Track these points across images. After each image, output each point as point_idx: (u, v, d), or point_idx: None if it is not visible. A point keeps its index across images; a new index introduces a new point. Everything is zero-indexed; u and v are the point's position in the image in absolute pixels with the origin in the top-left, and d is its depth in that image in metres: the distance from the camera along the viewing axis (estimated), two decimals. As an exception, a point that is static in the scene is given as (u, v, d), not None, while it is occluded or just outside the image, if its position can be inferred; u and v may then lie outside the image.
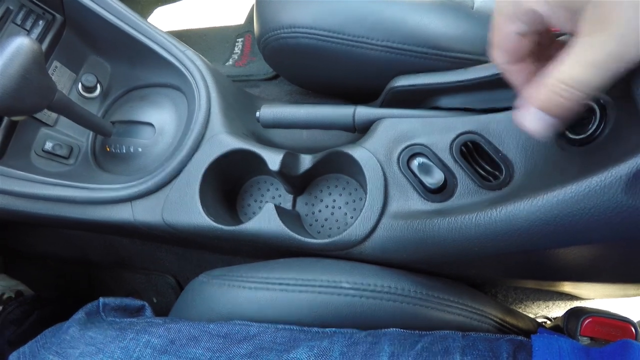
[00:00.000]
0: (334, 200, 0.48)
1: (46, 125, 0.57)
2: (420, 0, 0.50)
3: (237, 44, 0.87)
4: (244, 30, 0.90)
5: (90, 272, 0.85)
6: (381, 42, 0.47)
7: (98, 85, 0.60)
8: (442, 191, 0.38)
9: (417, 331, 0.35)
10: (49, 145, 0.56)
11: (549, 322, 0.63)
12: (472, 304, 0.40)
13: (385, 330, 0.35)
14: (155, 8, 1.13)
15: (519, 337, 0.37)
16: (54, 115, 0.57)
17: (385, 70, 0.47)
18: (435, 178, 0.38)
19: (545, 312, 0.67)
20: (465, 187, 0.38)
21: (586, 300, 0.67)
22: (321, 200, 0.48)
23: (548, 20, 0.26)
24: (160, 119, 0.54)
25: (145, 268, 0.77)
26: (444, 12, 0.49)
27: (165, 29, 0.92)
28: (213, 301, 0.40)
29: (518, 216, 0.31)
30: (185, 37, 0.96)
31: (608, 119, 0.30)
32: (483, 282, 0.62)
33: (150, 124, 0.55)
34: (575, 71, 0.24)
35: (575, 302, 0.67)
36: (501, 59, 0.29)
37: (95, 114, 0.59)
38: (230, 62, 0.83)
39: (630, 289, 0.51)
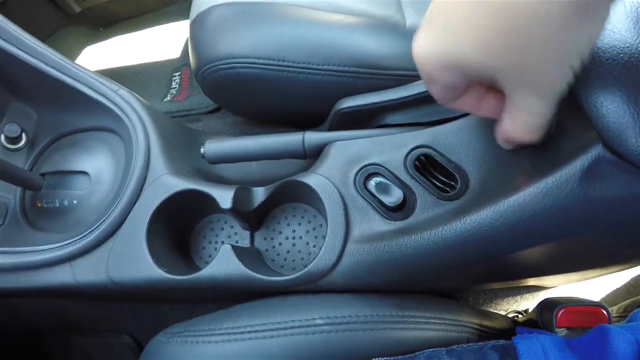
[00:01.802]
0: (294, 231, 0.46)
1: (-35, 185, 0.51)
2: (356, 23, 0.51)
3: (174, 78, 0.84)
4: (180, 64, 0.87)
5: (35, 342, 0.76)
6: (322, 66, 0.46)
7: (23, 135, 0.55)
8: (402, 208, 0.37)
9: (401, 356, 0.34)
10: (-31, 208, 0.50)
11: (520, 316, 0.64)
12: (448, 316, 0.39)
13: None
14: (84, 47, 1.08)
15: (501, 342, 0.37)
16: (-27, 173, 0.51)
17: (329, 93, 0.47)
18: (394, 196, 0.37)
19: (515, 307, 0.69)
20: (425, 201, 0.37)
21: (550, 289, 0.69)
22: (280, 233, 0.46)
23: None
24: (95, 166, 0.50)
25: (97, 330, 0.70)
26: (381, 33, 0.50)
27: (96, 68, 0.87)
28: (176, 362, 0.36)
29: (482, 224, 0.31)
30: (118, 75, 0.92)
31: (556, 124, 0.31)
32: (453, 291, 0.62)
33: (85, 173, 0.50)
34: (517, 133, 0.27)
35: (541, 292, 0.69)
36: (442, 101, 0.29)
37: (22, 167, 0.54)
38: (169, 97, 0.79)
39: (589, 273, 0.54)
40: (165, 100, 0.79)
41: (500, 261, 0.35)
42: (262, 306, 0.38)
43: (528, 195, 0.28)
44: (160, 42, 1.03)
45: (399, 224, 0.37)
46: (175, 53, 0.92)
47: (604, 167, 0.26)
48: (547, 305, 0.45)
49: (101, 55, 1.04)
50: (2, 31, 0.50)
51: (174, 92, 0.80)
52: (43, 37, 1.03)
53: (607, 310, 0.43)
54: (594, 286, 0.81)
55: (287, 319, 0.35)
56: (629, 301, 0.66)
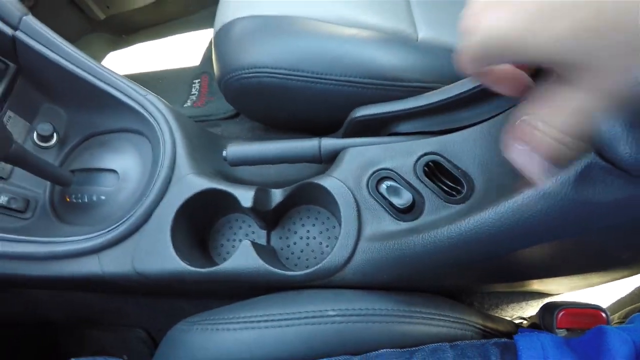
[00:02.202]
0: (308, 231, 0.49)
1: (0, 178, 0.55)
2: (370, 37, 0.55)
3: (194, 85, 0.88)
4: (199, 71, 0.91)
5: (50, 335, 0.80)
6: (340, 77, 0.50)
7: (54, 134, 0.59)
8: (411, 210, 0.40)
9: (408, 349, 0.36)
10: (3, 200, 0.53)
11: (525, 322, 0.67)
12: (453, 314, 0.42)
13: (377, 352, 0.36)
14: (108, 53, 1.13)
15: (503, 340, 0.39)
16: (8, 166, 0.55)
17: (345, 102, 0.50)
18: (403, 198, 0.40)
19: (520, 313, 0.71)
20: (433, 204, 0.40)
21: (555, 296, 0.71)
22: (295, 233, 0.49)
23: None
24: (123, 165, 0.54)
25: (113, 323, 0.73)
26: (394, 47, 0.53)
27: (120, 73, 0.92)
28: (197, 349, 0.39)
29: (485, 224, 0.34)
30: (140, 80, 0.95)
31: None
32: (459, 292, 0.64)
33: (113, 171, 0.54)
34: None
35: (545, 299, 0.71)
36: (470, 69, 0.26)
37: (53, 163, 0.57)
38: (189, 103, 0.84)
39: (593, 278, 0.55)
40: (185, 105, 0.83)
41: (503, 260, 0.38)
42: (278, 298, 0.41)
43: (527, 197, 0.31)
44: (181, 50, 1.08)
45: (408, 224, 0.40)
46: (195, 61, 0.96)
47: (597, 173, 0.28)
48: (548, 308, 0.48)
49: (124, 61, 1.09)
50: (37, 35, 0.54)
51: (194, 98, 0.84)
52: (69, 41, 1.08)
53: (605, 313, 0.45)
54: (599, 295, 0.83)
55: (302, 310, 0.38)
56: (629, 308, 0.68)
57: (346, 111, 0.50)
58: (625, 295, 0.77)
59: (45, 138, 0.58)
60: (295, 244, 0.49)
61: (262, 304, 0.40)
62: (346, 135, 0.51)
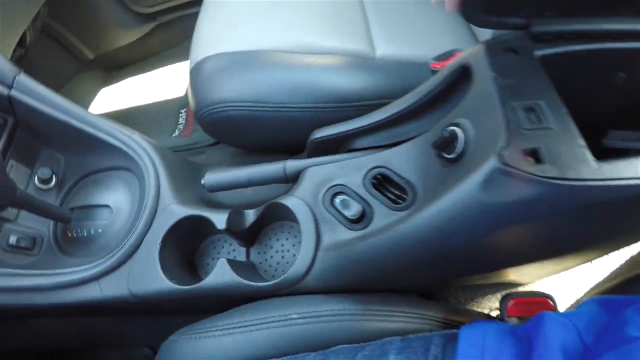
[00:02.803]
0: (282, 245, 0.55)
1: (8, 220, 0.62)
2: (327, 63, 0.61)
3: (180, 114, 0.96)
4: (185, 101, 0.99)
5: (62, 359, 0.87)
6: (298, 104, 0.57)
7: (53, 176, 0.67)
8: (362, 220, 0.47)
9: (362, 344, 0.42)
10: (13, 240, 0.61)
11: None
12: (411, 310, 0.48)
13: (333, 348, 0.42)
14: (100, 90, 1.22)
15: (453, 331, 0.43)
16: (15, 209, 0.62)
17: (306, 126, 0.57)
18: (353, 210, 0.46)
19: (496, 305, 0.76)
20: (381, 213, 0.46)
21: (528, 285, 0.76)
22: (271, 247, 0.56)
23: None
24: (115, 200, 0.61)
25: (119, 344, 0.80)
26: (350, 70, 0.60)
27: (112, 109, 1.00)
28: (184, 356, 0.46)
29: (421, 225, 0.40)
30: (131, 115, 1.04)
31: (468, 142, 0.40)
32: (433, 289, 0.70)
33: (107, 206, 0.61)
34: None
35: (519, 288, 0.75)
36: None
37: (54, 204, 0.65)
38: (177, 133, 0.91)
39: (566, 262, 0.60)
40: (173, 135, 0.91)
41: (451, 257, 0.43)
42: (251, 307, 0.47)
43: (447, 201, 0.37)
44: (167, 82, 1.16)
45: (360, 233, 0.46)
46: (180, 91, 1.04)
47: (498, 177, 0.34)
48: (504, 298, 0.53)
49: (116, 96, 1.17)
50: (32, 92, 0.62)
51: (181, 127, 0.92)
52: (62, 83, 1.16)
53: (553, 301, 0.50)
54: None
55: (269, 315, 0.44)
56: (603, 288, 0.72)
57: (309, 133, 0.57)
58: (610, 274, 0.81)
59: (46, 181, 0.66)
60: (272, 257, 0.55)
61: (238, 313, 0.46)
62: (310, 155, 0.58)
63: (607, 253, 0.63)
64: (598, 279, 0.80)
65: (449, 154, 0.41)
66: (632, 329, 0.33)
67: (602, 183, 0.33)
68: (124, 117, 1.02)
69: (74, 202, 0.64)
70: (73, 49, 1.13)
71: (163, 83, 1.15)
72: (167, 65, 1.18)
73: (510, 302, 0.49)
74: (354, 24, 0.72)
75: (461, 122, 0.40)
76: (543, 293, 0.52)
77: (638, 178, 0.33)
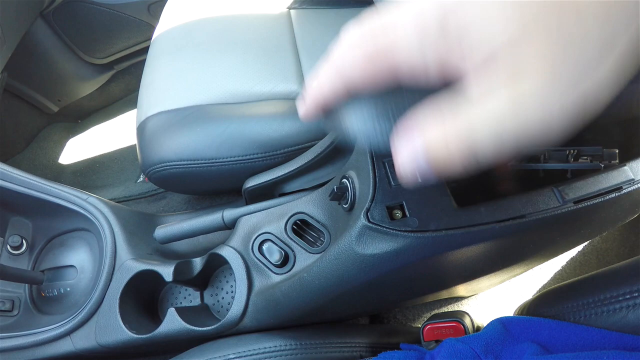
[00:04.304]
0: (231, 286, 0.63)
1: (-14, 288, 0.70)
2: (255, 112, 0.69)
3: (143, 159, 1.04)
4: (147, 145, 1.07)
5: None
6: (229, 157, 0.64)
7: (24, 242, 0.74)
8: (286, 264, 0.54)
9: None
10: (-7, 305, 0.69)
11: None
12: (339, 340, 0.55)
13: None
14: (68, 139, 1.30)
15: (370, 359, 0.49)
16: (-9, 280, 0.70)
17: (239, 175, 0.65)
18: (276, 256, 0.54)
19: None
20: (302, 255, 0.54)
21: (472, 296, 0.82)
22: (222, 289, 0.63)
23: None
24: (79, 260, 0.69)
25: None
26: (275, 118, 0.68)
27: (80, 158, 1.07)
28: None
29: (323, 268, 0.45)
30: (99, 163, 1.12)
31: (356, 194, 0.47)
32: (377, 313, 0.77)
33: (73, 266, 0.69)
34: (481, 136, 0.19)
35: (463, 301, 0.82)
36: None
37: (27, 268, 0.73)
38: (141, 178, 0.99)
39: (513, 270, 0.65)
40: (138, 181, 0.99)
41: (359, 292, 0.49)
42: (197, 350, 0.55)
43: (335, 250, 0.44)
44: (131, 126, 1.24)
45: (285, 275, 0.53)
46: (142, 135, 1.12)
47: (367, 232, 0.40)
48: (424, 324, 0.59)
49: (83, 145, 1.25)
50: None
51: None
52: (31, 137, 1.24)
53: (464, 325, 0.57)
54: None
55: (211, 356, 0.51)
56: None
57: (242, 181, 0.65)
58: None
59: (17, 247, 0.74)
60: (223, 298, 0.63)
61: (186, 356, 0.54)
62: (246, 200, 0.65)
63: (543, 262, 0.69)
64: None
65: (345, 204, 0.48)
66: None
67: (462, 231, 0.38)
68: (93, 165, 1.10)
69: (44, 264, 0.72)
70: (37, 105, 1.21)
71: (126, 128, 1.23)
72: (129, 110, 1.25)
73: (427, 328, 0.56)
74: (286, 65, 0.79)
75: (351, 174, 0.47)
76: (456, 318, 0.57)
77: (497, 222, 0.37)
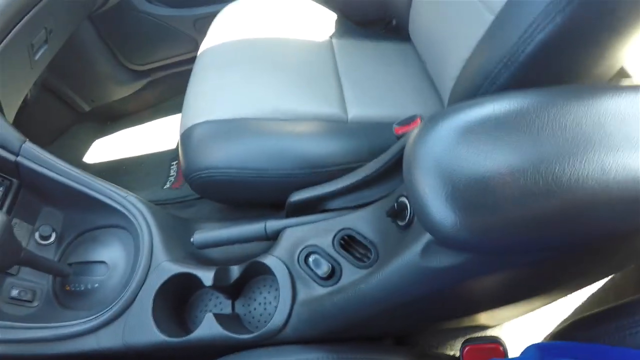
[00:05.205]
0: (265, 298, 0.63)
1: (10, 274, 0.68)
2: (305, 130, 0.70)
3: (172, 167, 1.04)
4: (176, 153, 1.07)
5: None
6: (276, 170, 0.65)
7: (53, 233, 0.74)
8: (332, 277, 0.54)
9: None
10: (14, 293, 0.67)
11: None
12: (377, 356, 0.54)
13: None
14: (95, 140, 1.30)
15: None
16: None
17: (285, 188, 0.66)
18: (324, 269, 0.54)
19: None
20: (348, 270, 0.54)
21: (499, 327, 0.82)
22: (255, 300, 0.63)
23: None
24: (111, 256, 0.68)
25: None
26: (321, 137, 0.69)
27: (106, 159, 1.07)
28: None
29: (377, 284, 0.47)
30: (125, 166, 1.12)
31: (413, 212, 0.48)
32: (407, 334, 0.76)
33: (104, 262, 0.68)
34: None
35: (488, 330, 0.82)
36: None
37: (53, 259, 0.72)
38: (168, 184, 0.99)
39: (533, 303, 0.66)
40: (165, 187, 0.99)
41: (407, 309, 0.50)
42: (235, 358, 0.54)
43: (396, 264, 0.45)
44: (159, 134, 1.25)
45: (330, 289, 0.54)
46: (171, 144, 1.13)
47: (434, 247, 0.42)
48: (462, 345, 0.60)
49: (109, 147, 1.26)
50: (35, 158, 0.69)
51: (172, 179, 1.00)
52: (59, 133, 1.25)
53: (503, 346, 0.57)
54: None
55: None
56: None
57: (287, 195, 0.65)
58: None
59: (46, 237, 0.73)
60: (255, 309, 0.62)
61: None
62: (288, 214, 0.66)
63: (569, 293, 0.70)
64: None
65: (400, 222, 0.49)
66: None
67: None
68: (118, 167, 1.10)
69: (72, 258, 0.71)
70: (70, 102, 1.22)
71: (155, 135, 1.24)
72: (159, 118, 1.27)
73: (466, 349, 0.56)
74: (329, 89, 0.82)
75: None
76: (496, 339, 0.58)
77: None
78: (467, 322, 0.81)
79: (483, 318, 0.80)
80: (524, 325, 0.89)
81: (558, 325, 0.88)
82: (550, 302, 0.79)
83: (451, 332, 0.82)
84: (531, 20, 0.52)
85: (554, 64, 0.57)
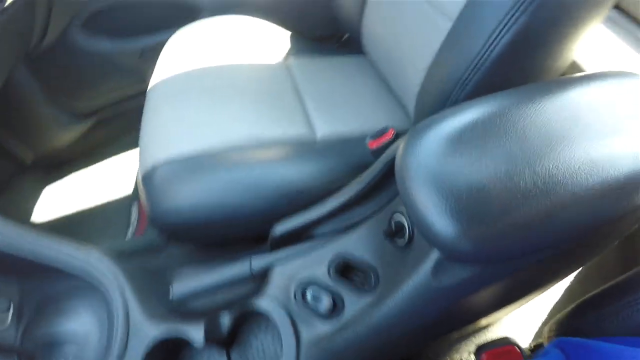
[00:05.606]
0: (262, 343, 0.58)
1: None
2: (274, 155, 0.66)
3: (132, 211, 0.96)
4: (134, 194, 1.00)
5: None
6: (253, 202, 0.63)
7: (11, 305, 0.64)
8: (335, 310, 0.50)
9: None
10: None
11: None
12: None
13: None
14: (42, 191, 1.18)
15: None
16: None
17: (264, 221, 0.62)
18: (325, 304, 0.50)
19: (471, 349, 0.81)
20: (351, 299, 0.51)
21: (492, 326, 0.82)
22: (251, 346, 0.58)
23: None
24: (83, 326, 0.61)
25: None
26: (291, 160, 0.66)
27: (59, 215, 0.97)
28: None
29: (388, 312, 0.45)
30: (81, 218, 1.03)
31: (413, 229, 0.45)
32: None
33: (74, 334, 0.60)
34: None
35: (490, 330, 0.81)
36: None
37: (15, 338, 0.62)
38: (129, 235, 0.91)
39: (530, 297, 0.66)
40: (127, 239, 0.91)
41: (420, 331, 0.48)
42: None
43: (406, 289, 0.43)
44: (113, 176, 1.16)
45: (336, 324, 0.50)
46: (128, 184, 1.05)
47: (444, 264, 0.40)
48: (477, 351, 0.58)
49: (60, 197, 1.14)
50: None
51: (134, 226, 0.92)
52: (1, 187, 1.12)
53: (519, 347, 0.56)
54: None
55: None
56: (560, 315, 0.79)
57: (268, 225, 0.61)
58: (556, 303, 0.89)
59: (3, 311, 0.64)
60: (253, 357, 0.57)
61: None
62: (272, 246, 0.61)
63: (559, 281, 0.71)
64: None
65: (399, 241, 0.46)
66: None
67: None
68: (72, 220, 1.01)
69: (36, 333, 0.63)
70: (12, 152, 1.11)
71: (109, 178, 1.15)
72: (110, 158, 1.18)
73: (484, 356, 0.54)
74: (292, 110, 0.78)
75: (403, 210, 0.46)
76: (509, 340, 0.57)
77: None
78: (470, 328, 0.80)
79: (484, 319, 0.79)
80: (519, 315, 0.89)
81: (556, 307, 0.88)
82: (543, 292, 0.80)
83: (454, 342, 0.80)
84: (496, 23, 0.53)
85: (519, 63, 0.58)
